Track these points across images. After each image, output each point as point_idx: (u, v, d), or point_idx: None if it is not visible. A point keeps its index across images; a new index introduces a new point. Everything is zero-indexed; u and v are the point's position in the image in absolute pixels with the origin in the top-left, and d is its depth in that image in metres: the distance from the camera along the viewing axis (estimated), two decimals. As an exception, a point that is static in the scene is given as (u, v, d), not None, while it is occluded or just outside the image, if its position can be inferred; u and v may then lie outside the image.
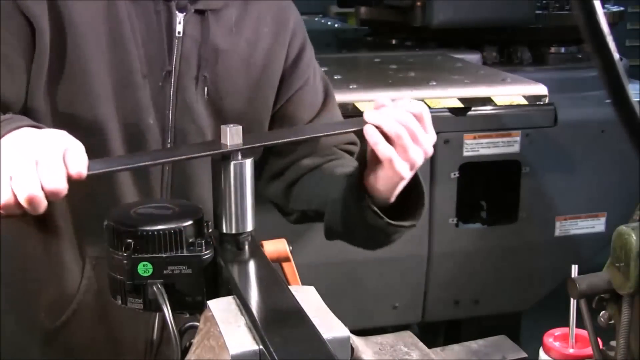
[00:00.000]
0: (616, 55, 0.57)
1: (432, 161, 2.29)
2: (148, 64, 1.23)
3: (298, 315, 0.84)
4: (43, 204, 0.93)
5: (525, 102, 2.25)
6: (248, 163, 1.03)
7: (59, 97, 1.21)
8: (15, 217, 0.98)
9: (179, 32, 1.23)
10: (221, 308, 0.88)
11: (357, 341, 1.00)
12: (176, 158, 1.15)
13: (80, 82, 1.20)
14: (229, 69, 1.28)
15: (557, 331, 1.16)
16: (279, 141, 1.22)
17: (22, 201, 0.92)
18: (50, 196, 0.93)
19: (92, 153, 0.98)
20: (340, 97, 2.08)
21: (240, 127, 1.02)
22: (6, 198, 0.92)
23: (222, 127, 1.02)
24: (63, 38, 1.18)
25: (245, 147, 1.03)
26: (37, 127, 1.02)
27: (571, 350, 1.13)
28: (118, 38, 1.21)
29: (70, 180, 0.94)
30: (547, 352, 1.14)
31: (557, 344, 1.14)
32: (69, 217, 1.27)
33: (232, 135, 1.01)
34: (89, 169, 0.96)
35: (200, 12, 1.25)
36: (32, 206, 0.93)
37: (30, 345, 1.34)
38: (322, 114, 1.40)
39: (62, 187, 0.93)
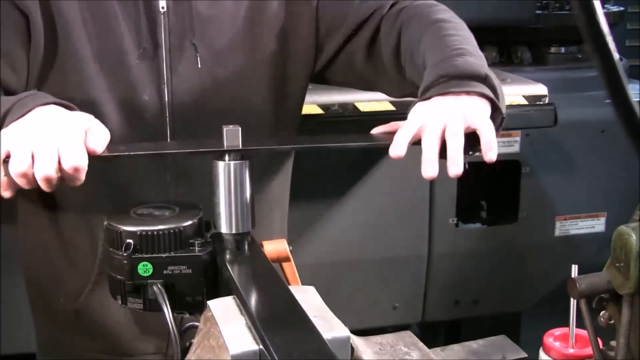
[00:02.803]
0: (616, 56, 0.57)
1: (431, 161, 2.29)
2: (137, 42, 1.27)
3: (298, 315, 0.84)
4: (54, 184, 0.99)
5: (525, 102, 2.24)
6: (247, 163, 1.03)
7: (53, 84, 1.26)
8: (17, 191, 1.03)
9: (162, 7, 1.27)
10: (221, 308, 0.88)
11: (357, 341, 1.00)
12: (174, 151, 1.19)
13: (72, 69, 1.26)
14: (217, 33, 1.30)
15: (557, 331, 1.16)
16: (282, 147, 1.21)
17: (39, 179, 0.97)
18: (69, 176, 0.98)
19: None
20: (341, 97, 2.09)
21: (239, 128, 1.02)
22: (22, 170, 0.97)
23: (224, 127, 1.02)
24: (54, 28, 1.24)
25: (242, 149, 1.03)
26: (65, 106, 1.07)
27: (571, 350, 1.12)
28: (105, 21, 1.26)
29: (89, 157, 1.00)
30: (547, 352, 1.14)
31: (557, 344, 1.14)
32: (82, 201, 1.32)
33: (232, 136, 1.01)
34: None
35: None
36: (46, 184, 0.98)
37: (56, 327, 1.42)
38: None
39: (82, 165, 0.98)
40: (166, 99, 1.28)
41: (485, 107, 1.06)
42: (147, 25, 1.26)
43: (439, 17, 1.25)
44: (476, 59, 1.13)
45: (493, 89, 1.08)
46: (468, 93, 1.06)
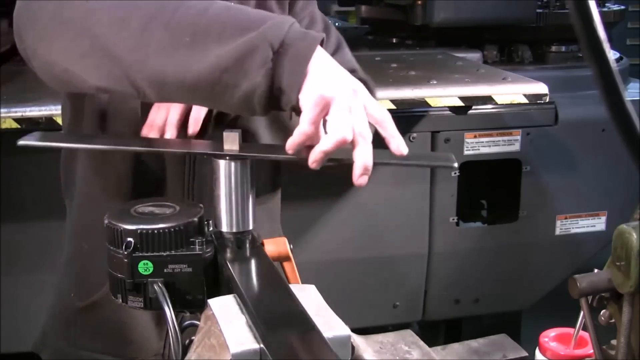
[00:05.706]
0: (613, 65, 0.57)
1: (432, 160, 2.30)
2: None
3: (299, 314, 0.84)
4: None
5: (525, 100, 2.25)
6: (248, 162, 1.03)
7: None
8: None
9: None
10: (222, 306, 0.88)
11: (358, 340, 1.00)
12: (177, 150, 1.17)
13: None
14: None
15: (553, 331, 1.16)
16: (278, 156, 1.19)
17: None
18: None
19: None
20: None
21: (239, 132, 1.02)
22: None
23: (224, 132, 1.02)
24: None
25: (243, 154, 1.03)
26: None
27: (568, 351, 1.12)
28: None
29: None
30: (543, 352, 1.14)
31: (553, 344, 1.14)
32: (103, 192, 1.31)
33: (232, 140, 1.01)
34: None
35: None
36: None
37: (66, 319, 1.41)
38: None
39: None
40: None
41: None
42: None
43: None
44: None
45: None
46: None
